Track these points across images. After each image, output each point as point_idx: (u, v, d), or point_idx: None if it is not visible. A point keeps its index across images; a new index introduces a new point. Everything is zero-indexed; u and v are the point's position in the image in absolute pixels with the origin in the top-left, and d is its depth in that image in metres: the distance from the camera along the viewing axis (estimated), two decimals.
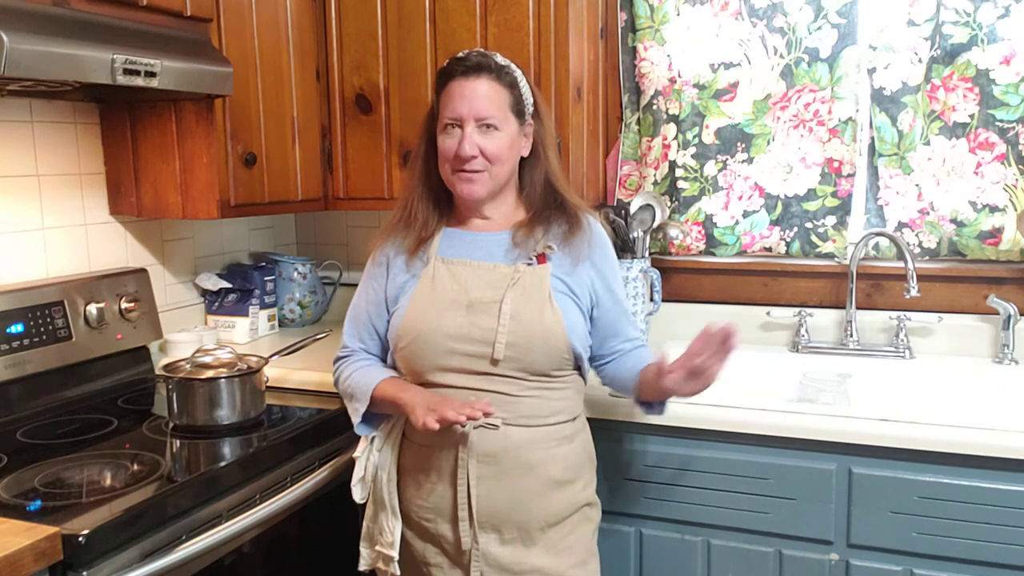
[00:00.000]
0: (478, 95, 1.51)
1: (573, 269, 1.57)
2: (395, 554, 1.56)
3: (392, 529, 1.57)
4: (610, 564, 1.80)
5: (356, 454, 1.62)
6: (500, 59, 1.55)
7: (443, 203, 1.63)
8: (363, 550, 1.65)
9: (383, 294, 1.62)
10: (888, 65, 2.13)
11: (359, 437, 1.63)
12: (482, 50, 1.57)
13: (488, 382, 1.50)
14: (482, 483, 1.50)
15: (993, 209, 2.09)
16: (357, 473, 1.61)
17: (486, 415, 1.40)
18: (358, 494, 1.61)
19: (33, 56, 1.44)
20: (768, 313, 2.29)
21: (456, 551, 1.53)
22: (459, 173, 1.53)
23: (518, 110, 1.56)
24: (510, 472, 1.50)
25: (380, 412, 1.59)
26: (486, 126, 1.51)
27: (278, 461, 1.67)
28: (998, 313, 2.06)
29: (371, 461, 1.59)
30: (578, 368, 1.58)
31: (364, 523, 1.65)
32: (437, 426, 1.38)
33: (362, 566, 1.66)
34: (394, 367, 1.62)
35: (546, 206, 1.61)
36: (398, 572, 1.59)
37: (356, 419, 1.58)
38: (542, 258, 1.56)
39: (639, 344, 1.66)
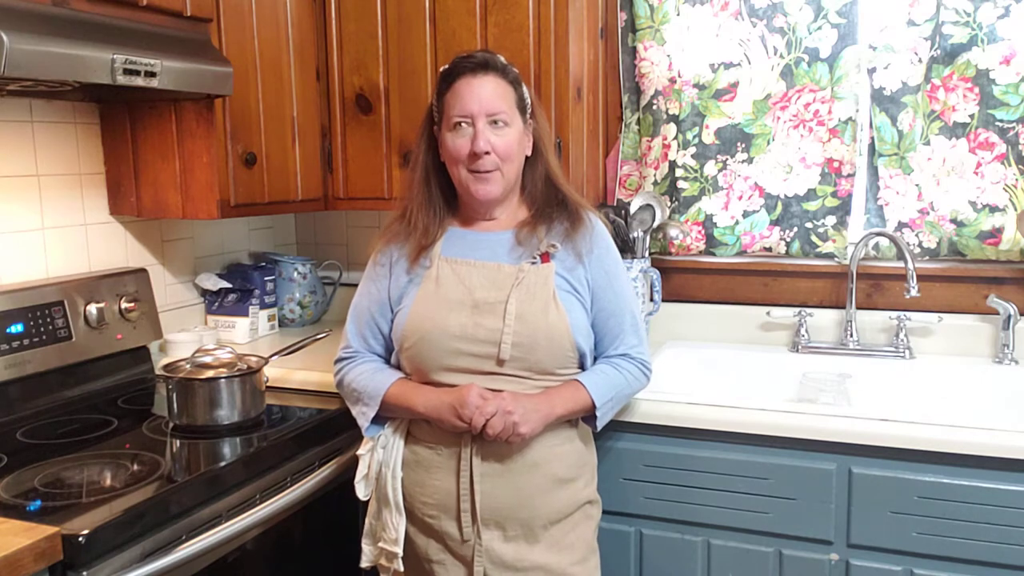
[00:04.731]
0: (487, 91, 1.52)
1: (576, 266, 1.58)
2: (399, 551, 1.57)
3: (396, 526, 1.57)
4: (610, 564, 1.80)
5: (360, 452, 1.62)
6: (502, 58, 1.57)
7: (444, 209, 1.63)
8: (365, 547, 1.65)
9: (386, 294, 1.62)
10: (888, 65, 2.13)
11: (360, 436, 1.63)
12: (485, 50, 1.58)
13: (493, 381, 1.50)
14: (486, 480, 1.51)
15: (993, 209, 2.09)
16: (361, 471, 1.61)
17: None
18: (362, 491, 1.61)
19: (33, 56, 1.43)
20: (768, 313, 2.29)
21: (459, 547, 1.54)
22: (473, 174, 1.53)
23: (522, 107, 1.57)
24: (514, 470, 1.51)
25: (390, 416, 1.60)
26: (496, 123, 1.52)
27: (278, 461, 1.67)
28: (998, 313, 2.06)
29: (375, 458, 1.59)
30: (582, 366, 1.59)
31: (367, 520, 1.65)
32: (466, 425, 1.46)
33: (364, 563, 1.66)
34: (398, 366, 1.62)
35: (548, 204, 1.62)
36: (402, 568, 1.59)
37: (365, 423, 1.59)
38: (546, 257, 1.56)
39: (625, 352, 1.62)
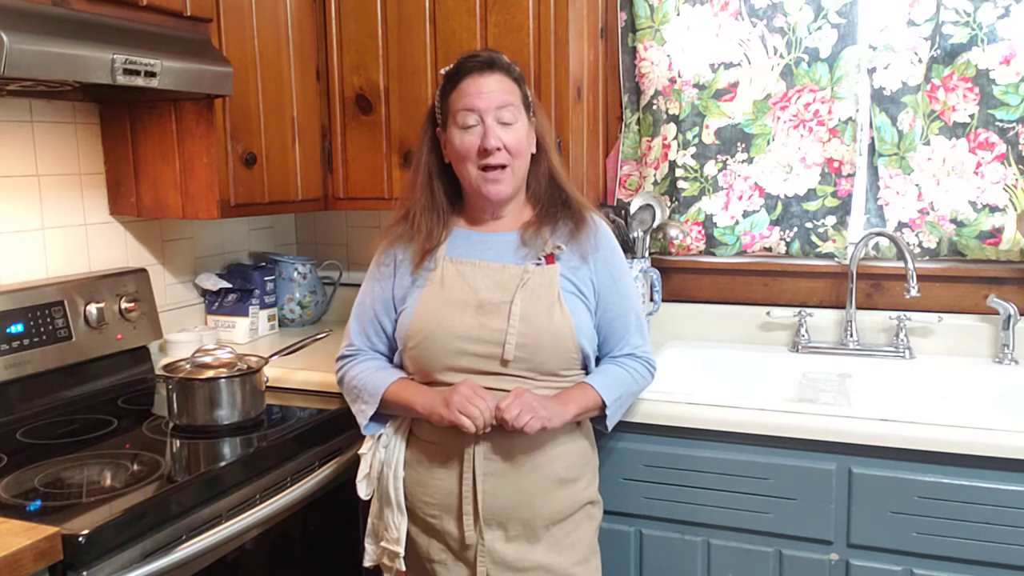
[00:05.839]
0: (494, 88, 1.53)
1: (580, 266, 1.58)
2: (401, 550, 1.57)
3: (398, 525, 1.57)
4: (610, 564, 1.80)
5: (362, 451, 1.62)
6: (506, 57, 1.57)
7: (447, 210, 1.63)
8: (368, 546, 1.65)
9: (390, 293, 1.62)
10: (888, 65, 2.13)
11: (360, 436, 1.63)
12: (488, 48, 1.58)
13: (497, 381, 1.51)
14: (488, 480, 1.51)
15: (993, 209, 2.09)
16: (362, 470, 1.61)
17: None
18: (363, 491, 1.62)
19: (33, 56, 1.43)
20: (768, 313, 2.29)
21: (461, 547, 1.54)
22: (484, 174, 1.53)
23: (526, 105, 1.58)
24: (516, 469, 1.51)
25: (389, 414, 1.60)
26: (505, 121, 1.52)
27: (278, 461, 1.67)
28: (998, 313, 2.06)
29: (377, 458, 1.59)
30: (585, 367, 1.59)
31: (369, 520, 1.65)
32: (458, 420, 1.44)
33: (367, 562, 1.66)
34: (401, 366, 1.62)
35: (552, 203, 1.62)
36: (404, 568, 1.59)
37: (364, 420, 1.59)
38: (551, 258, 1.56)
39: (630, 352, 1.63)
